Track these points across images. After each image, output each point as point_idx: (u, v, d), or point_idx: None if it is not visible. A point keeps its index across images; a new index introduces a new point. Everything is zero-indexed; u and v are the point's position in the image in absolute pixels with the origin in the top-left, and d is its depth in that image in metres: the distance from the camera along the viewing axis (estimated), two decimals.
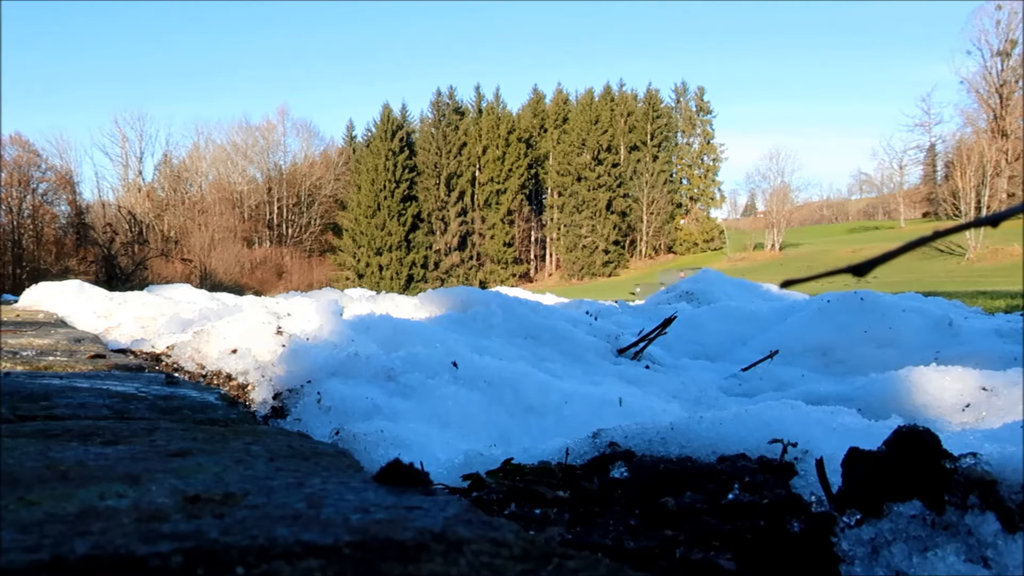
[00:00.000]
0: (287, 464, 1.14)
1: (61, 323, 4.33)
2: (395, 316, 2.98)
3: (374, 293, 6.07)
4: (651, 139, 65.55)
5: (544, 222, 65.72)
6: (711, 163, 66.88)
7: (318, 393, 1.83)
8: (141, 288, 7.38)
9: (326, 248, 63.50)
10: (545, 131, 65.65)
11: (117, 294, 5.94)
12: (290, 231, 62.95)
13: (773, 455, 1.17)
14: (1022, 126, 50.62)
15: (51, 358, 2.47)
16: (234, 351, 2.41)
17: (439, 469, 1.29)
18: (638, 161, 64.26)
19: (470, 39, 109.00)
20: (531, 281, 61.23)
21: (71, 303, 5.33)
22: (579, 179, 63.26)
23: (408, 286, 57.11)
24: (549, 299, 6.34)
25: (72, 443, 1.20)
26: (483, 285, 50.58)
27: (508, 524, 0.86)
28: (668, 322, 3.33)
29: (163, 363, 2.55)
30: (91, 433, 1.29)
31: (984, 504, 0.85)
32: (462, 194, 62.93)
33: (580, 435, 1.38)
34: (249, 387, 2.07)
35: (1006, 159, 51.22)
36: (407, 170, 62.19)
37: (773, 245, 60.65)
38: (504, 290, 5.78)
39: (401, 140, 62.50)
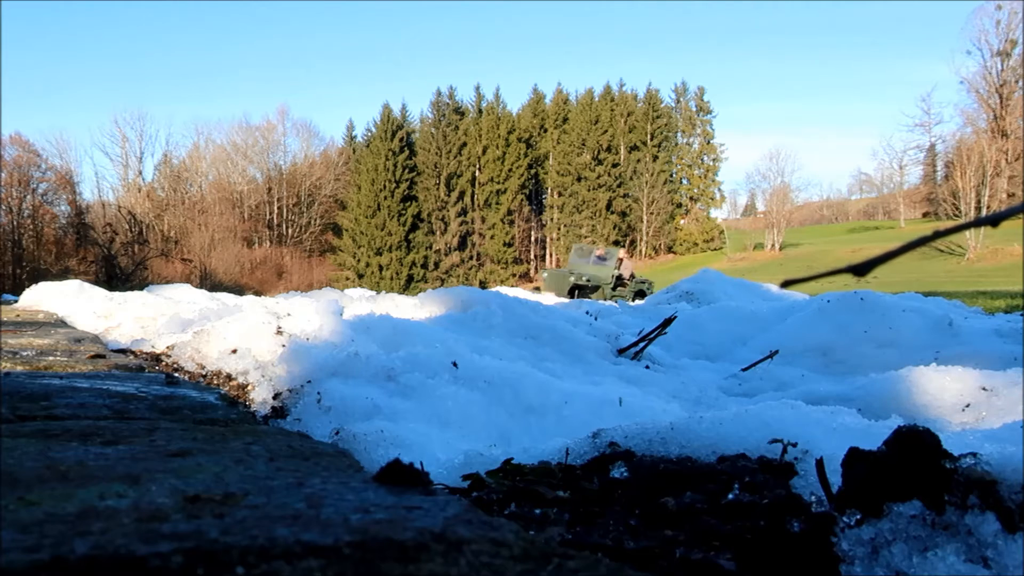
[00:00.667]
0: (287, 464, 1.14)
1: (61, 323, 4.33)
2: (395, 316, 2.98)
3: (374, 293, 6.08)
4: (651, 139, 65.55)
5: (544, 222, 65.71)
6: (711, 163, 66.89)
7: (318, 393, 1.83)
8: (141, 288, 7.37)
9: (326, 248, 63.48)
10: (545, 131, 65.64)
11: (117, 294, 5.94)
12: (290, 231, 62.94)
13: (773, 455, 1.17)
14: (1022, 126, 50.62)
15: (51, 358, 2.47)
16: (234, 351, 2.41)
17: (439, 469, 1.29)
18: (638, 161, 64.25)
19: (470, 39, 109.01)
20: (531, 281, 61.19)
21: (71, 303, 5.33)
22: (579, 179, 63.26)
23: (408, 286, 57.09)
24: (549, 299, 6.34)
25: (72, 443, 1.20)
26: (483, 285, 50.58)
27: (508, 524, 0.86)
28: (668, 322, 3.33)
29: (163, 363, 2.55)
30: (91, 433, 1.29)
31: (984, 504, 0.85)
32: (462, 194, 62.93)
33: (580, 435, 1.38)
34: (249, 387, 2.07)
35: (1006, 159, 51.22)
36: (407, 170, 62.18)
37: (773, 245, 60.64)
38: (504, 290, 5.79)
39: (401, 140, 62.49)
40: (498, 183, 62.95)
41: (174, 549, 0.69)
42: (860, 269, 0.59)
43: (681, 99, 67.65)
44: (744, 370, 3.04)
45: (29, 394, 1.68)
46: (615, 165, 64.00)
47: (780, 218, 61.67)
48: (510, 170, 62.87)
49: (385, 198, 61.08)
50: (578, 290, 20.13)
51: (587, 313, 4.18)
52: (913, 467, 0.89)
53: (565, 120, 65.49)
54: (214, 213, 56.36)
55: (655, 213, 64.13)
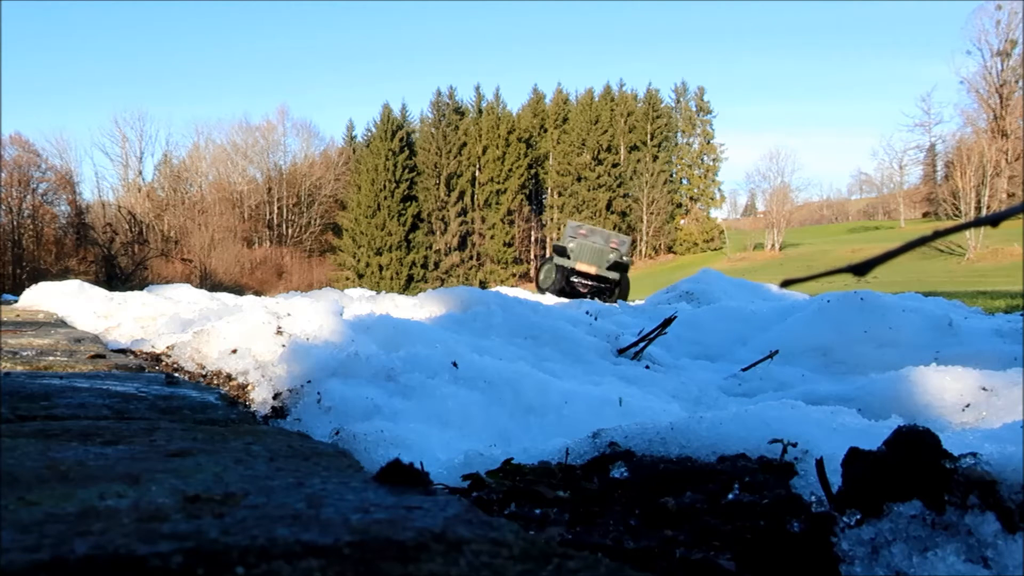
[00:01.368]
0: (287, 464, 1.14)
1: (61, 323, 4.33)
2: (395, 316, 2.98)
3: (374, 293, 6.07)
4: (651, 139, 65.55)
5: (544, 222, 65.71)
6: (711, 163, 66.89)
7: (318, 393, 1.83)
8: (141, 288, 7.37)
9: (326, 248, 63.47)
10: (545, 131, 65.65)
11: (117, 294, 5.94)
12: (290, 231, 62.94)
13: (773, 455, 1.17)
14: (1022, 126, 50.62)
15: (51, 358, 2.47)
16: (234, 351, 2.41)
17: (439, 469, 1.29)
18: (638, 161, 64.26)
19: (470, 39, 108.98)
20: (531, 281, 61.19)
21: (71, 303, 5.33)
22: (579, 179, 63.27)
23: (408, 286, 57.09)
24: (549, 299, 6.34)
25: (72, 443, 1.20)
26: (483, 285, 50.58)
27: (508, 524, 0.86)
28: (668, 322, 3.33)
29: (163, 363, 2.55)
30: (91, 433, 1.29)
31: (984, 504, 0.85)
32: (462, 194, 62.93)
33: (580, 435, 1.38)
34: (249, 387, 2.07)
35: (1006, 159, 51.22)
36: (407, 170, 62.18)
37: (773, 245, 60.63)
38: (504, 290, 5.79)
39: (401, 140, 62.49)
40: (498, 183, 62.95)
41: (174, 549, 0.69)
42: (860, 269, 0.59)
43: (681, 99, 67.66)
44: (744, 370, 3.04)
45: (29, 394, 1.68)
46: (615, 165, 64.00)
47: (780, 218, 61.66)
48: (510, 170, 62.87)
49: (385, 198, 61.08)
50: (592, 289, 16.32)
51: (587, 313, 4.18)
52: (913, 467, 0.89)
53: (565, 120, 65.50)
54: (214, 213, 56.34)
55: (655, 213, 64.12)
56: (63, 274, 33.39)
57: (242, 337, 2.47)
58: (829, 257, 50.08)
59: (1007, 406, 1.99)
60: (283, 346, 2.29)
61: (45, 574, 0.63)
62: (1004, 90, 52.87)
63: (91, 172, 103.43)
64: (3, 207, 44.98)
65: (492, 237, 62.90)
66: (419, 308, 3.60)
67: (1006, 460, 0.89)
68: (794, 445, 1.17)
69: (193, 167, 61.20)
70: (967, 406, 2.08)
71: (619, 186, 64.05)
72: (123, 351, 2.93)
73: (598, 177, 63.14)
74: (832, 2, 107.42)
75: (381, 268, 59.94)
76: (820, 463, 1.03)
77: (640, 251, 65.11)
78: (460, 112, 64.90)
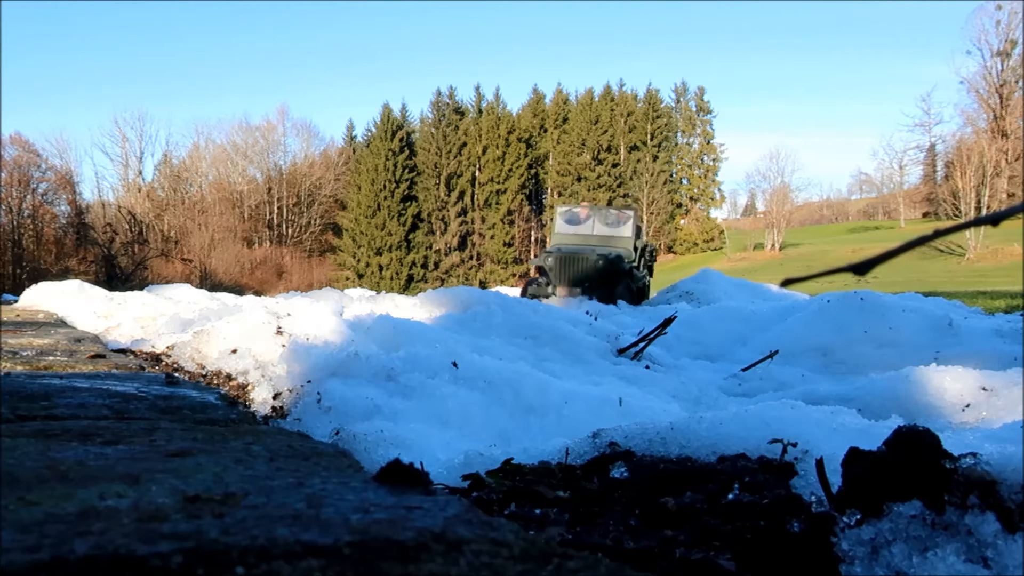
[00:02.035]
0: (287, 464, 1.14)
1: (61, 323, 4.33)
2: (395, 316, 2.98)
3: (374, 293, 6.08)
4: (651, 139, 65.55)
5: (544, 222, 65.68)
6: (711, 163, 66.88)
7: (318, 393, 1.83)
8: (141, 288, 7.38)
9: (326, 248, 63.46)
10: (545, 131, 65.66)
11: (117, 294, 5.94)
12: (290, 231, 62.93)
13: (773, 455, 1.17)
14: (1022, 126, 50.62)
15: (51, 358, 2.47)
16: (234, 351, 2.41)
17: (439, 469, 1.29)
18: (638, 161, 64.25)
19: (470, 39, 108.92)
20: None
21: (71, 303, 5.33)
22: (579, 179, 63.26)
23: (408, 286, 57.07)
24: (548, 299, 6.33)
25: (72, 443, 1.20)
26: (483, 285, 50.56)
27: (508, 524, 0.86)
28: (668, 322, 3.33)
29: (163, 363, 2.55)
30: (91, 433, 1.29)
31: (984, 504, 0.85)
32: (462, 194, 62.92)
33: (580, 435, 1.38)
34: (249, 387, 2.07)
35: (1006, 159, 51.22)
36: (407, 170, 62.18)
37: (773, 245, 60.62)
38: (504, 290, 5.79)
39: (401, 140, 62.50)
40: (498, 183, 62.94)
41: (174, 549, 0.69)
42: (860, 269, 0.59)
43: (681, 99, 67.67)
44: (744, 370, 3.04)
45: (29, 394, 1.68)
46: (615, 165, 64.00)
47: (780, 218, 61.66)
48: (510, 170, 62.86)
49: (385, 198, 61.08)
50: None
51: (587, 313, 4.18)
52: (913, 467, 0.89)
53: (565, 120, 65.50)
54: (214, 213, 56.33)
55: (655, 213, 64.11)
56: (63, 274, 33.38)
57: (242, 337, 2.47)
58: (829, 257, 50.08)
59: (1007, 406, 1.99)
60: (283, 346, 2.29)
61: (45, 574, 0.63)
62: (1004, 90, 52.86)
63: (91, 172, 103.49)
64: (3, 207, 44.98)
65: (492, 237, 62.88)
66: (419, 308, 3.60)
67: (1006, 460, 0.89)
68: (794, 445, 1.17)
69: (193, 167, 61.19)
70: (967, 406, 2.08)
71: (619, 186, 64.04)
72: (123, 351, 2.93)
73: (598, 177, 63.13)
74: (832, 2, 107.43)
75: (381, 268, 59.94)
76: (820, 463, 1.03)
77: None
78: (460, 112, 64.90)
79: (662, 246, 65.52)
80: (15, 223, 45.91)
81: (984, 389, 2.12)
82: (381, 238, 60.40)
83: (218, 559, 0.68)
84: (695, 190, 66.97)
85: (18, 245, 45.87)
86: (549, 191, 65.77)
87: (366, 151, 63.81)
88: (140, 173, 59.23)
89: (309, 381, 1.95)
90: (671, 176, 66.30)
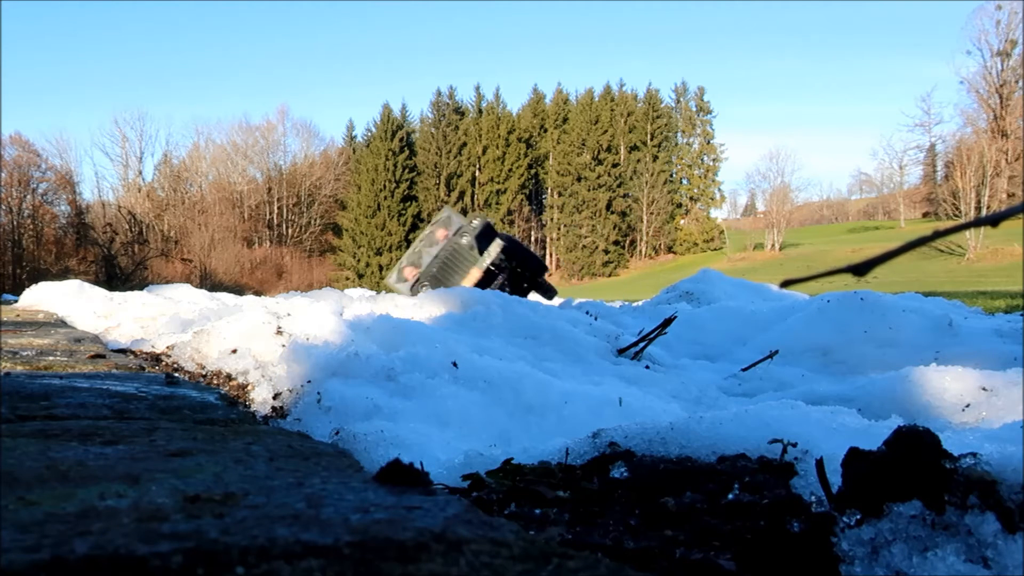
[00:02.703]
0: (287, 464, 1.14)
1: (61, 323, 4.33)
2: (395, 316, 2.98)
3: (374, 293, 6.08)
4: (651, 139, 65.56)
5: (544, 222, 65.72)
6: (711, 163, 66.91)
7: (318, 393, 1.83)
8: (141, 288, 7.38)
9: (326, 248, 63.49)
10: (545, 131, 65.67)
11: (117, 294, 5.95)
12: (290, 231, 62.94)
13: (773, 455, 1.17)
14: (1022, 126, 50.61)
15: (51, 358, 2.47)
16: (234, 351, 2.41)
17: (439, 469, 1.29)
18: (638, 161, 64.27)
19: (470, 39, 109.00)
20: None
21: (71, 303, 5.34)
22: (579, 179, 63.29)
23: None
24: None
25: (72, 443, 1.20)
26: None
27: (508, 524, 0.86)
28: (668, 322, 3.33)
29: (163, 363, 2.55)
30: (91, 433, 1.29)
31: (984, 504, 0.85)
32: (462, 194, 62.95)
33: (580, 435, 1.38)
34: (249, 387, 2.07)
35: (1006, 159, 51.21)
36: (407, 170, 62.21)
37: (773, 245, 60.63)
38: None
39: (401, 140, 62.53)
40: (498, 183, 62.97)
41: (174, 549, 0.69)
42: (860, 269, 0.59)
43: (681, 99, 67.68)
44: (744, 370, 3.04)
45: (29, 394, 1.68)
46: (615, 165, 64.02)
47: (780, 218, 61.67)
48: (510, 170, 62.89)
49: (385, 198, 61.11)
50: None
51: (587, 313, 4.18)
52: (913, 467, 0.89)
53: (565, 120, 65.52)
54: (214, 213, 56.34)
55: (655, 213, 64.13)
56: (63, 274, 33.37)
57: (242, 337, 2.47)
58: (829, 257, 50.08)
59: (1007, 406, 1.99)
60: (283, 346, 2.29)
61: (45, 574, 0.63)
62: (1004, 90, 52.85)
63: (91, 172, 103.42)
64: (3, 207, 44.97)
65: None
66: (419, 308, 3.60)
67: (1006, 460, 0.89)
68: (794, 445, 1.17)
69: (193, 167, 61.19)
70: (967, 406, 2.08)
71: (619, 186, 64.06)
72: (123, 351, 2.93)
73: (598, 177, 63.15)
74: (832, 2, 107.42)
75: (381, 268, 59.91)
76: (820, 463, 1.03)
77: (640, 251, 65.13)
78: (460, 112, 64.92)
79: (662, 246, 65.52)
80: (15, 223, 45.91)
81: (984, 389, 2.12)
82: (381, 238, 60.43)
83: (218, 559, 0.68)
84: (695, 190, 66.99)
85: (18, 245, 45.86)
86: (549, 191, 65.80)
87: (366, 151, 63.83)
88: (140, 173, 59.27)
89: (309, 381, 1.95)
90: (671, 176, 66.32)
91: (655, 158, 64.93)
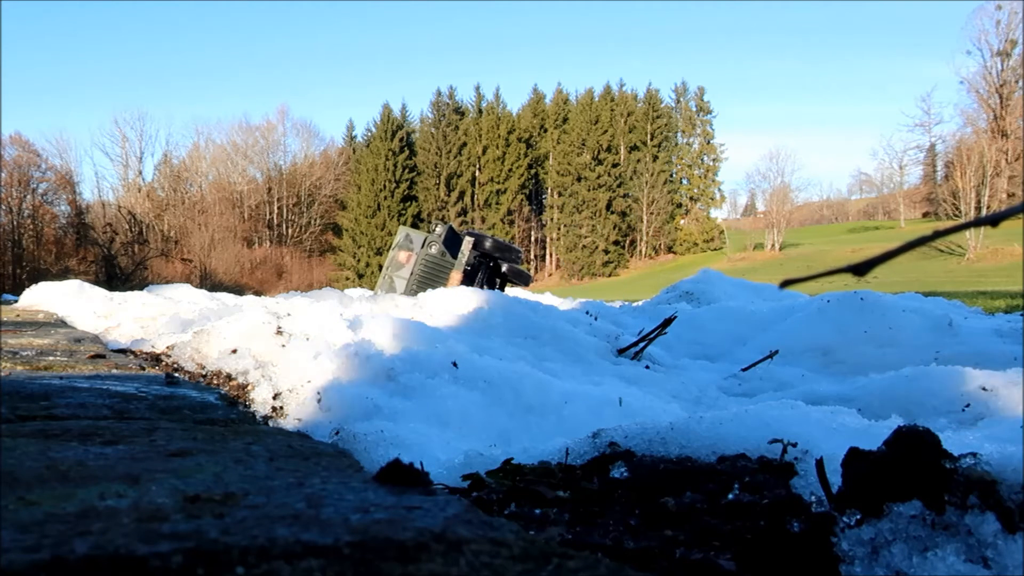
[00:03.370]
0: (287, 464, 1.14)
1: (61, 323, 4.33)
2: (395, 316, 2.98)
3: (374, 293, 6.08)
4: (651, 139, 65.56)
5: (544, 222, 65.71)
6: (711, 163, 66.89)
7: (318, 393, 1.83)
8: (141, 288, 7.38)
9: (326, 248, 63.49)
10: (545, 131, 65.67)
11: (117, 294, 5.95)
12: (290, 231, 62.94)
13: (773, 455, 1.17)
14: (1022, 126, 50.61)
15: (51, 358, 2.47)
16: (234, 351, 2.41)
17: (439, 469, 1.29)
18: (638, 161, 64.27)
19: (470, 39, 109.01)
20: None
21: (71, 303, 5.34)
22: (579, 179, 63.28)
23: None
24: (548, 299, 6.35)
25: (72, 443, 1.20)
26: None
27: (508, 524, 0.86)
28: (668, 322, 3.33)
29: (163, 363, 2.55)
30: (91, 433, 1.29)
31: (984, 504, 0.85)
32: (462, 194, 62.97)
33: (580, 435, 1.38)
34: (249, 387, 2.07)
35: (1006, 159, 51.21)
36: (407, 170, 62.23)
37: (773, 245, 60.63)
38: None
39: (401, 140, 62.53)
40: (498, 183, 62.97)
41: (174, 549, 0.69)
42: (860, 269, 0.59)
43: (681, 99, 67.67)
44: (744, 370, 3.04)
45: (29, 394, 1.68)
46: (615, 165, 64.02)
47: (780, 218, 61.66)
48: (510, 170, 62.89)
49: (385, 198, 61.12)
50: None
51: (587, 313, 4.18)
52: (913, 467, 0.89)
53: (565, 120, 65.51)
54: (214, 213, 56.33)
55: (655, 213, 64.13)
56: (63, 274, 33.36)
57: (242, 337, 2.47)
58: (829, 257, 50.08)
59: (1007, 406, 1.99)
60: (283, 346, 2.29)
61: (45, 574, 0.63)
62: (1004, 90, 52.85)
63: (91, 172, 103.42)
64: (3, 207, 44.96)
65: None
66: (419, 308, 3.60)
67: (1006, 460, 0.89)
68: (794, 445, 1.17)
69: (193, 167, 61.19)
70: (967, 406, 2.08)
71: (619, 186, 64.05)
72: (123, 351, 2.93)
73: (598, 177, 63.15)
74: (832, 2, 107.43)
75: (381, 268, 59.92)
76: (820, 463, 1.03)
77: (640, 251, 65.14)
78: (460, 112, 64.92)
79: (662, 246, 65.52)
80: (15, 223, 45.90)
81: (984, 389, 2.12)
82: (381, 238, 60.41)
83: (218, 559, 0.68)
84: (695, 190, 66.99)
85: (18, 245, 45.86)
86: (549, 191, 65.80)
87: (366, 151, 63.84)
88: (140, 173, 59.26)
89: (309, 381, 1.95)
90: (671, 176, 66.32)
91: (655, 158, 64.92)
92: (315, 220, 63.20)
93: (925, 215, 65.14)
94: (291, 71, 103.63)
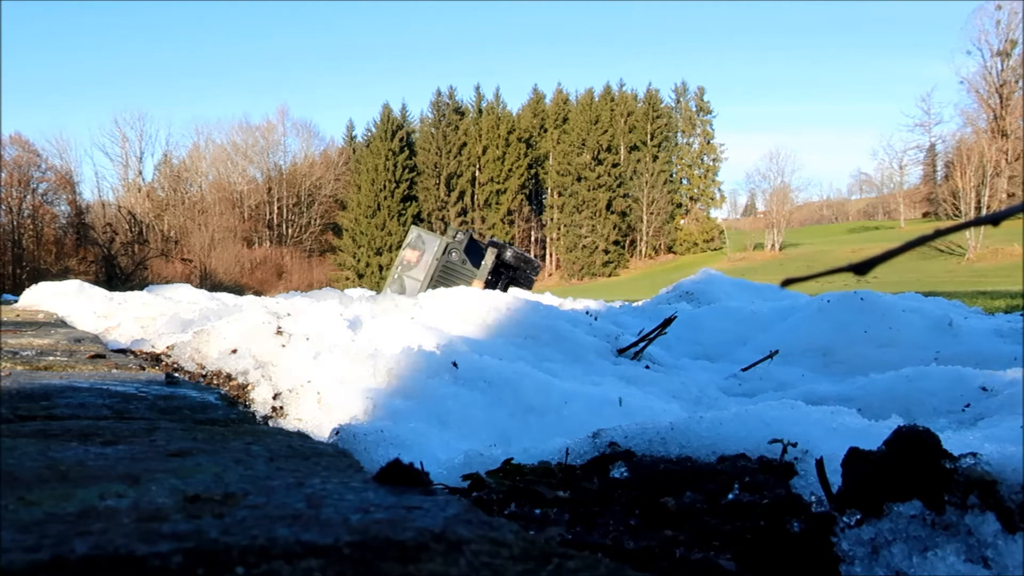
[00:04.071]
0: (287, 464, 1.14)
1: (61, 323, 4.33)
2: (395, 316, 2.98)
3: (374, 293, 6.09)
4: (651, 139, 65.55)
5: (544, 222, 65.71)
6: (711, 163, 66.89)
7: (318, 393, 1.83)
8: (141, 288, 7.38)
9: (326, 248, 63.49)
10: (545, 131, 65.66)
11: (117, 294, 5.95)
12: (290, 231, 62.94)
13: (773, 455, 1.17)
14: (1022, 126, 50.61)
15: (51, 358, 2.47)
16: (234, 351, 2.41)
17: (439, 469, 1.29)
18: (638, 161, 64.26)
19: (470, 39, 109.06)
20: None
21: (71, 303, 5.34)
22: (579, 179, 63.27)
23: None
24: (548, 299, 6.34)
25: (72, 443, 1.20)
26: None
27: (508, 524, 0.86)
28: (668, 322, 3.33)
29: (163, 363, 2.55)
30: (91, 433, 1.29)
31: (984, 504, 0.85)
32: (462, 194, 62.97)
33: (580, 435, 1.38)
34: (249, 387, 2.07)
35: (1006, 159, 51.21)
36: (407, 170, 62.22)
37: (773, 245, 60.63)
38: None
39: (401, 140, 62.54)
40: (498, 183, 62.97)
41: (174, 549, 0.69)
42: (860, 268, 0.59)
43: (681, 99, 67.66)
44: (744, 370, 3.04)
45: (29, 394, 1.68)
46: (615, 165, 64.01)
47: (780, 218, 61.66)
48: (510, 170, 62.88)
49: (385, 198, 61.11)
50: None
51: (587, 313, 4.18)
52: (913, 467, 0.89)
53: (565, 120, 65.50)
54: (214, 213, 56.33)
55: (655, 213, 64.12)
56: (63, 274, 33.35)
57: (242, 337, 2.47)
58: (829, 257, 50.07)
59: (1007, 406, 1.99)
60: (283, 346, 2.29)
61: (45, 574, 0.63)
62: (1004, 90, 52.85)
63: (91, 172, 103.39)
64: (3, 207, 44.96)
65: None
66: (419, 308, 3.60)
67: (1006, 460, 0.89)
68: (794, 445, 1.17)
69: (193, 167, 61.19)
70: (967, 406, 2.08)
71: (619, 186, 64.05)
72: (123, 351, 2.93)
73: (598, 177, 63.13)
74: (832, 2, 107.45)
75: (381, 268, 59.92)
76: (820, 463, 1.03)
77: (640, 251, 65.13)
78: (460, 112, 64.92)
79: (662, 246, 65.51)
80: (15, 223, 45.90)
81: (984, 389, 2.12)
82: (381, 238, 60.43)
83: (218, 559, 0.68)
84: (695, 190, 66.97)
85: (18, 245, 45.86)
86: (549, 191, 65.79)
87: (366, 151, 63.84)
88: (140, 173, 59.27)
89: (309, 381, 1.95)
90: (671, 176, 66.31)
91: (655, 158, 64.91)
92: (315, 220, 63.21)
93: (925, 215, 65.14)
94: (291, 71, 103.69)
